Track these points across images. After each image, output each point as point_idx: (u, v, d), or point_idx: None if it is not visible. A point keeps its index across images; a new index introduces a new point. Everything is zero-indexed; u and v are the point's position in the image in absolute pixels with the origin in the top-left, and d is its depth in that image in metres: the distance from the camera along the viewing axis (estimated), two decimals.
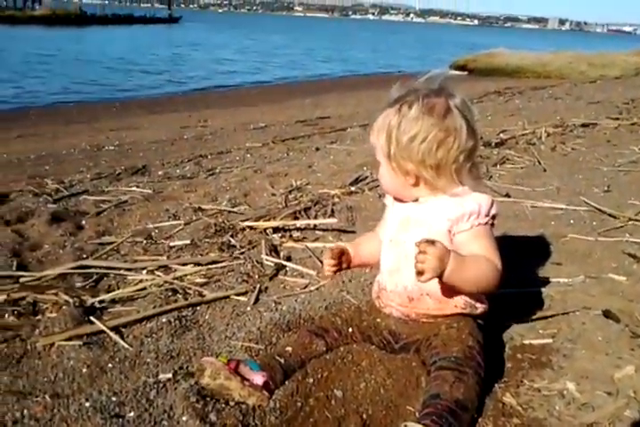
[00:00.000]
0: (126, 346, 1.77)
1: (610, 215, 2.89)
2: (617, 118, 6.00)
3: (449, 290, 1.51)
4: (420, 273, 1.38)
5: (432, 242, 1.38)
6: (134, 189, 3.73)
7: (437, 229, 1.51)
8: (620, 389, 1.50)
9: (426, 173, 1.49)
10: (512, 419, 1.40)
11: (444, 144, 1.46)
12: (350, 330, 1.64)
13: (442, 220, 1.51)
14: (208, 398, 1.45)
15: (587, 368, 1.60)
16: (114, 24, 49.94)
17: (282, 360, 1.53)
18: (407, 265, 1.49)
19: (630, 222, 2.77)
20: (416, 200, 1.57)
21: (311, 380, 1.51)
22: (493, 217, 1.52)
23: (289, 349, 1.57)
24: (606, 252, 2.43)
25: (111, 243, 2.65)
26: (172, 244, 2.64)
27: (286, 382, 1.49)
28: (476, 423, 1.39)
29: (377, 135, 1.55)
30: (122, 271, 2.32)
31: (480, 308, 1.59)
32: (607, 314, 1.87)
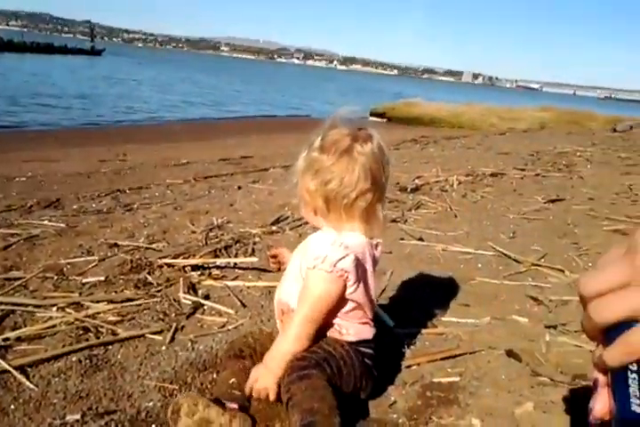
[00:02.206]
0: (32, 386, 1.69)
1: (514, 260, 3.08)
2: (523, 169, 6.41)
3: None
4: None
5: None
6: (46, 222, 3.60)
7: (306, 259, 1.59)
8: (519, 424, 1.58)
9: (320, 203, 1.58)
10: None
11: (334, 180, 1.54)
12: (262, 350, 1.66)
13: (309, 253, 1.59)
14: None
15: (491, 405, 1.68)
16: (32, 52, 48.48)
17: (237, 392, 1.54)
18: (285, 280, 1.70)
19: (533, 267, 2.96)
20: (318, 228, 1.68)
21: None
22: (345, 271, 1.53)
23: (234, 380, 1.58)
24: (510, 294, 2.58)
25: (19, 278, 2.54)
26: (84, 280, 2.56)
27: None
28: None
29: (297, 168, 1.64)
30: (30, 308, 2.22)
31: (351, 335, 1.63)
32: (510, 354, 1.98)
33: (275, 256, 1.92)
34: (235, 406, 1.48)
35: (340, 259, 1.53)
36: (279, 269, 1.93)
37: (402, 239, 3.43)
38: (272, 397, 1.53)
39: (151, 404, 1.62)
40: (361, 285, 1.59)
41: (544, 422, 1.59)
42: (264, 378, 1.53)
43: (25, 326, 2.08)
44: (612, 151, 8.64)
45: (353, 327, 1.64)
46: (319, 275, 1.54)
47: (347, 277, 1.55)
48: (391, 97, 27.96)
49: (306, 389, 1.40)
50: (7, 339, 1.97)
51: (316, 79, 76.64)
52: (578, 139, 11.13)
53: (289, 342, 1.55)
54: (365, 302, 1.65)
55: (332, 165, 1.54)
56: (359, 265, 1.57)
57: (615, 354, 0.59)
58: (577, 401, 1.68)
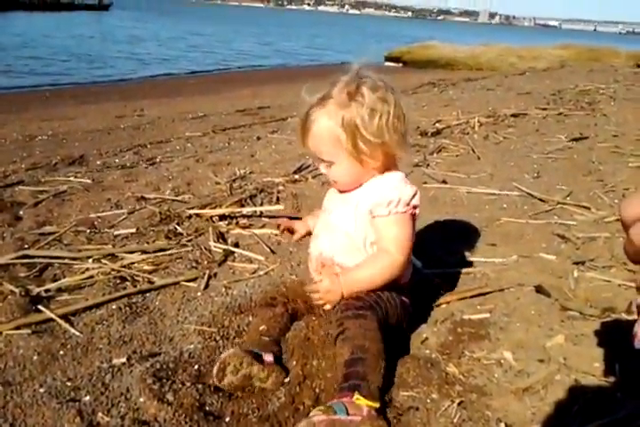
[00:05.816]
0: (77, 333, 1.76)
1: (539, 199, 3.07)
2: (545, 109, 6.27)
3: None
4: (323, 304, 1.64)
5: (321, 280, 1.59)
6: (72, 179, 3.64)
7: (362, 208, 1.63)
8: (551, 356, 1.63)
9: (380, 153, 1.60)
10: (455, 386, 1.50)
11: (400, 118, 1.59)
12: (294, 297, 1.73)
13: (367, 201, 1.62)
14: (164, 380, 1.48)
15: (521, 339, 1.72)
16: (39, 10, 47.64)
17: (267, 338, 1.59)
18: (325, 232, 1.70)
19: (558, 206, 2.95)
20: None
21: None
22: (415, 207, 1.63)
23: (264, 327, 1.63)
24: (537, 233, 2.59)
25: (53, 233, 2.60)
26: (116, 233, 2.61)
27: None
28: (418, 386, 1.48)
29: (332, 136, 1.59)
30: (66, 261, 2.28)
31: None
32: (539, 289, 2.01)
33: (288, 230, 1.93)
34: (271, 358, 1.52)
35: (413, 196, 1.61)
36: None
37: (425, 183, 3.42)
38: (332, 301, 1.60)
39: (192, 346, 1.69)
40: None
41: (575, 353, 1.63)
42: (330, 297, 1.59)
43: (64, 278, 2.15)
44: (637, 87, 8.38)
45: None
46: (397, 219, 1.59)
47: (416, 213, 1.64)
48: (406, 41, 27.16)
49: (360, 326, 1.45)
50: (48, 290, 2.04)
51: (329, 26, 74.66)
52: (600, 76, 10.78)
53: (367, 281, 1.60)
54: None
55: (392, 112, 1.56)
56: None
57: None
58: (607, 333, 1.72)
